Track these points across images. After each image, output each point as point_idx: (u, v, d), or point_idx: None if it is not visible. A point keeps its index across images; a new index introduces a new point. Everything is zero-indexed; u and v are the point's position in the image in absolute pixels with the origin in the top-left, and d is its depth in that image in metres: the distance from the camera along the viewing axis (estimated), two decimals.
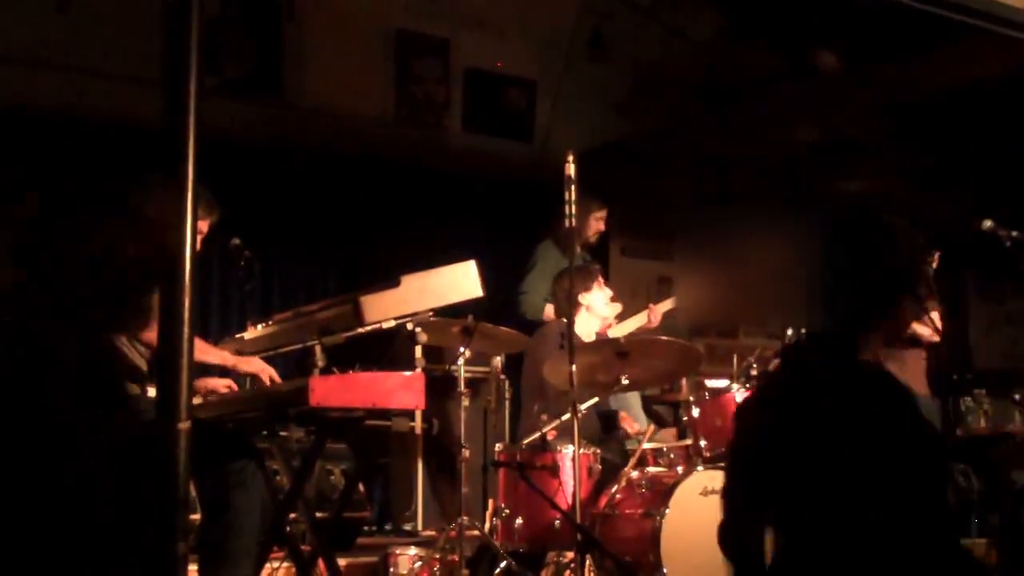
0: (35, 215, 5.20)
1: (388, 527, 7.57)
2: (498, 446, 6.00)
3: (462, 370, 5.64)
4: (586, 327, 6.65)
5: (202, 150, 3.05)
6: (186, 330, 3.02)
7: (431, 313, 4.98)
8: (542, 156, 8.82)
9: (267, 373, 4.66)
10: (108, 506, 4.09)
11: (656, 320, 7.82)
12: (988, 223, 6.59)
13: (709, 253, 9.77)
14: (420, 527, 7.18)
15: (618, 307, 7.61)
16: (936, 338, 7.32)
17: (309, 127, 8.35)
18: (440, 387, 6.96)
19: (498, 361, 6.77)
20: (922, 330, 7.36)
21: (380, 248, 8.68)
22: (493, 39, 8.79)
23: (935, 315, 7.42)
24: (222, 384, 4.86)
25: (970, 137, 9.23)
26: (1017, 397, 7.81)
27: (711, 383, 7.96)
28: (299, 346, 5.20)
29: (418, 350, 5.11)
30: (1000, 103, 8.45)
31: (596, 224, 7.83)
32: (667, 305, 8.01)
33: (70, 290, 4.39)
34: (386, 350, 6.14)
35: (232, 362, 4.63)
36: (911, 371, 7.35)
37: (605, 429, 6.57)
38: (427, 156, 8.81)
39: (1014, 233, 6.50)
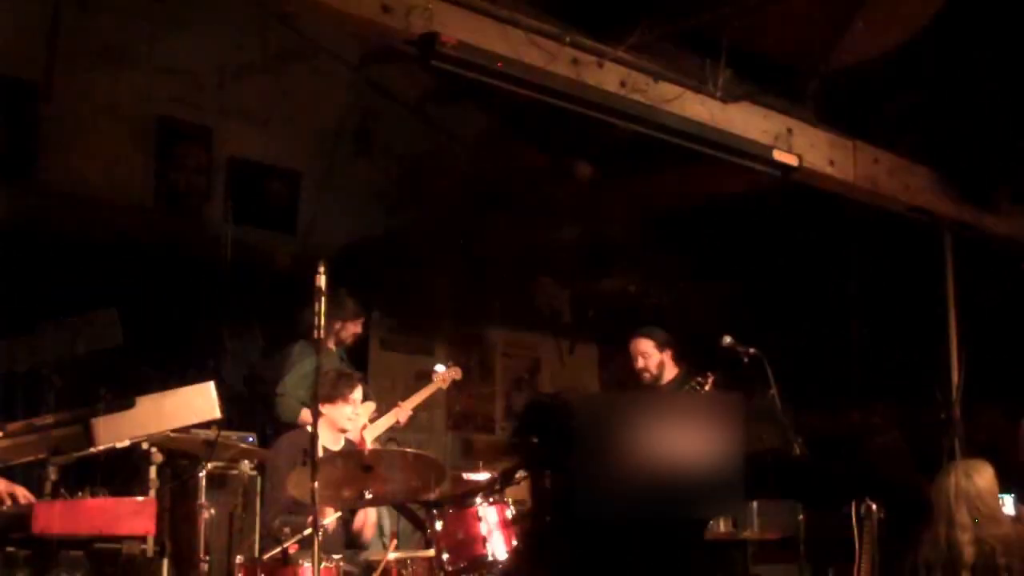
0: None
1: None
2: (239, 558, 5.87)
3: (203, 482, 5.52)
4: (325, 439, 6.55)
5: None
6: None
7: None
8: (305, 249, 8.75)
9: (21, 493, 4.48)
10: None
11: (404, 418, 7.83)
12: (728, 339, 7.01)
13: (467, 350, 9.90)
14: None
15: (371, 406, 7.58)
16: None
17: (63, 212, 8.08)
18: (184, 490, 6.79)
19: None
20: None
21: (132, 341, 8.28)
22: (257, 129, 8.70)
23: None
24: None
25: (718, 248, 9.63)
26: None
27: (469, 476, 8.02)
28: (31, 459, 5.04)
29: (152, 470, 5.01)
30: (741, 220, 8.88)
31: (353, 328, 7.83)
32: (417, 399, 8.03)
33: None
34: (121, 467, 5.98)
35: None
36: None
37: (348, 543, 6.54)
38: (188, 246, 8.56)
39: (751, 350, 6.92)
